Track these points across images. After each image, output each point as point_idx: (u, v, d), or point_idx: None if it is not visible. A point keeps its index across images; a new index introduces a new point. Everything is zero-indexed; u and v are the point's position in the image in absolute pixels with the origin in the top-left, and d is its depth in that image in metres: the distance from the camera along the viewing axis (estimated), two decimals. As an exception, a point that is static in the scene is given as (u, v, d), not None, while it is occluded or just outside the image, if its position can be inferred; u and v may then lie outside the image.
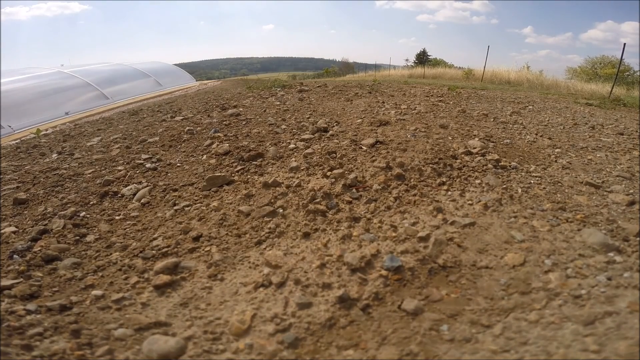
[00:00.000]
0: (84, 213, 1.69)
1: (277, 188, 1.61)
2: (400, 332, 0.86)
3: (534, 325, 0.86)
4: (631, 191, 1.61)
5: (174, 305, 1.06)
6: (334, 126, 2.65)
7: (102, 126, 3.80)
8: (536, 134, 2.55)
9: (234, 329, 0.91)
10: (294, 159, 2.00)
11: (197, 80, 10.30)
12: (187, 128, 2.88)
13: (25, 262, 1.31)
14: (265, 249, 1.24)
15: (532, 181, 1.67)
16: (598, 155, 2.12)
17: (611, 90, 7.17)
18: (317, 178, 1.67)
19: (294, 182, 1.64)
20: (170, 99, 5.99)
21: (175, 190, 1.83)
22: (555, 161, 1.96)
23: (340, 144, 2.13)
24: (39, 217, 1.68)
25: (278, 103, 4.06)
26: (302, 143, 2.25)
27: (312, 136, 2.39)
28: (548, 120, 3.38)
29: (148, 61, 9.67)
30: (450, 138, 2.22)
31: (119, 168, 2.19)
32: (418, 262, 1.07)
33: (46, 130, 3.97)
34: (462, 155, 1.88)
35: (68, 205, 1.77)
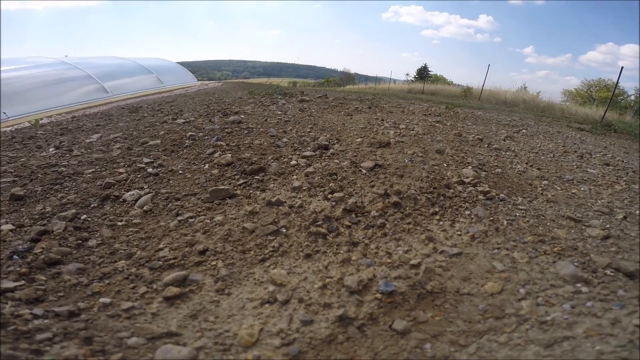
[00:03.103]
0: (85, 216, 1.81)
1: (280, 207, 1.81)
2: (390, 348, 1.06)
3: (503, 346, 1.08)
4: (607, 226, 1.87)
5: (184, 316, 1.22)
6: (334, 144, 2.87)
7: (101, 122, 3.94)
8: (526, 163, 2.83)
9: (243, 342, 1.09)
10: (295, 176, 2.20)
11: (198, 80, 10.72)
12: (190, 133, 3.05)
13: (27, 263, 1.40)
14: (269, 266, 1.43)
15: (517, 214, 1.91)
16: (582, 188, 2.40)
17: (603, 115, 7.73)
18: (319, 200, 1.87)
19: (297, 202, 1.84)
20: (170, 98, 6.19)
21: (178, 199, 1.99)
22: (542, 194, 2.22)
23: (341, 165, 2.35)
24: (37, 216, 1.79)
25: (280, 113, 4.28)
26: (304, 160, 2.46)
27: (313, 153, 2.61)
28: (539, 147, 3.71)
29: (152, 57, 10.07)
30: (445, 165, 2.47)
31: (120, 170, 2.33)
32: (409, 287, 1.28)
33: (41, 119, 4.11)
34: (455, 184, 2.13)
35: (68, 206, 1.89)
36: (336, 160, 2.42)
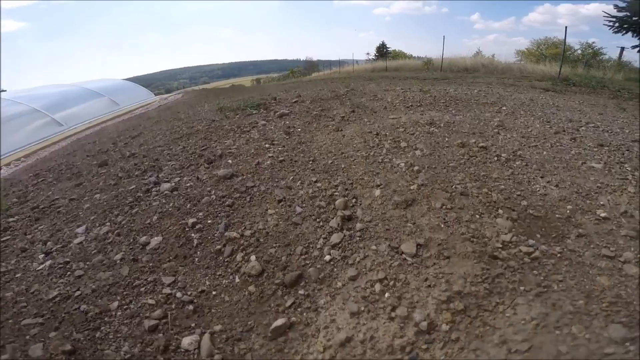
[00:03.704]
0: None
1: (352, 345, 1.90)
2: None
3: None
4: (640, 256, 2.10)
5: None
6: (355, 208, 2.89)
7: (69, 185, 3.77)
8: (541, 177, 3.04)
9: None
10: (340, 283, 2.25)
11: (155, 95, 10.41)
12: (191, 220, 2.89)
13: None
14: None
15: (562, 269, 2.10)
16: (601, 202, 2.64)
17: (559, 71, 8.94)
18: (384, 323, 1.96)
19: (366, 334, 1.92)
20: (132, 125, 5.88)
21: (239, 340, 1.96)
22: (571, 225, 2.43)
23: (380, 251, 2.41)
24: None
25: (268, 146, 4.24)
26: (337, 252, 2.49)
27: (341, 235, 2.62)
28: (530, 131, 3.96)
29: (98, 79, 9.80)
30: (477, 217, 2.60)
31: (149, 302, 2.22)
32: None
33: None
34: (500, 250, 2.27)
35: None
36: (373, 247, 2.47)
